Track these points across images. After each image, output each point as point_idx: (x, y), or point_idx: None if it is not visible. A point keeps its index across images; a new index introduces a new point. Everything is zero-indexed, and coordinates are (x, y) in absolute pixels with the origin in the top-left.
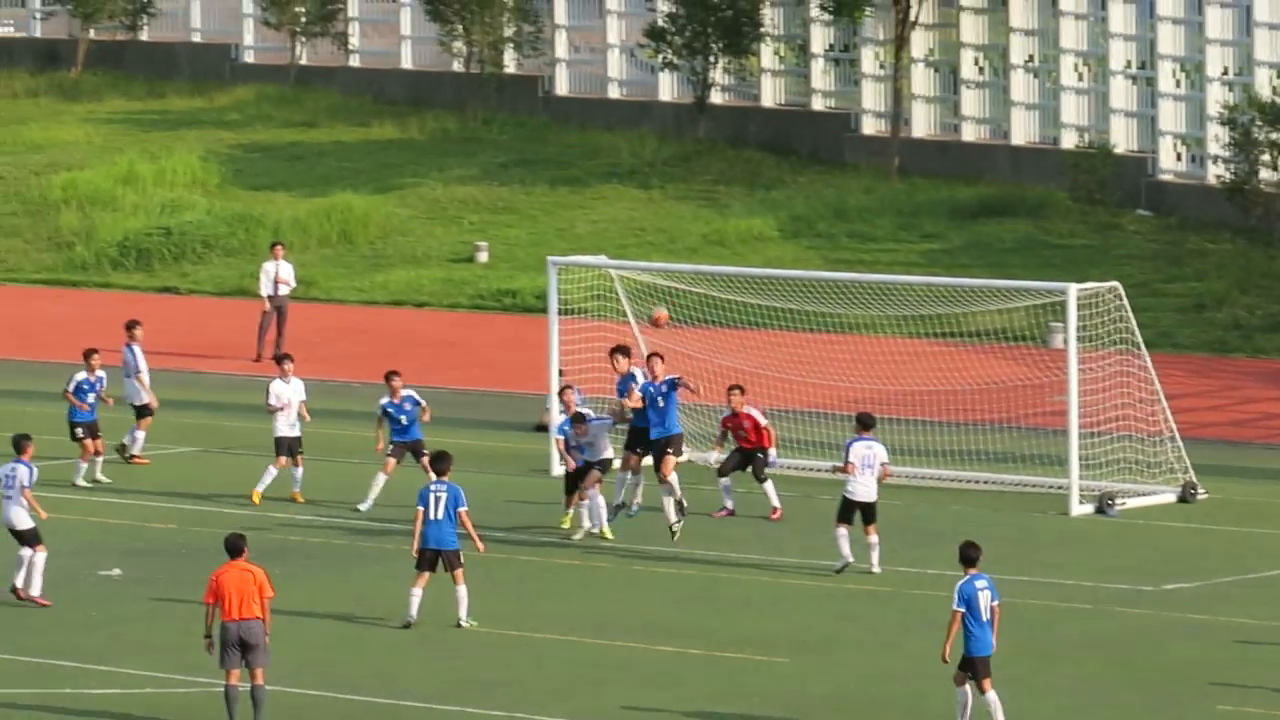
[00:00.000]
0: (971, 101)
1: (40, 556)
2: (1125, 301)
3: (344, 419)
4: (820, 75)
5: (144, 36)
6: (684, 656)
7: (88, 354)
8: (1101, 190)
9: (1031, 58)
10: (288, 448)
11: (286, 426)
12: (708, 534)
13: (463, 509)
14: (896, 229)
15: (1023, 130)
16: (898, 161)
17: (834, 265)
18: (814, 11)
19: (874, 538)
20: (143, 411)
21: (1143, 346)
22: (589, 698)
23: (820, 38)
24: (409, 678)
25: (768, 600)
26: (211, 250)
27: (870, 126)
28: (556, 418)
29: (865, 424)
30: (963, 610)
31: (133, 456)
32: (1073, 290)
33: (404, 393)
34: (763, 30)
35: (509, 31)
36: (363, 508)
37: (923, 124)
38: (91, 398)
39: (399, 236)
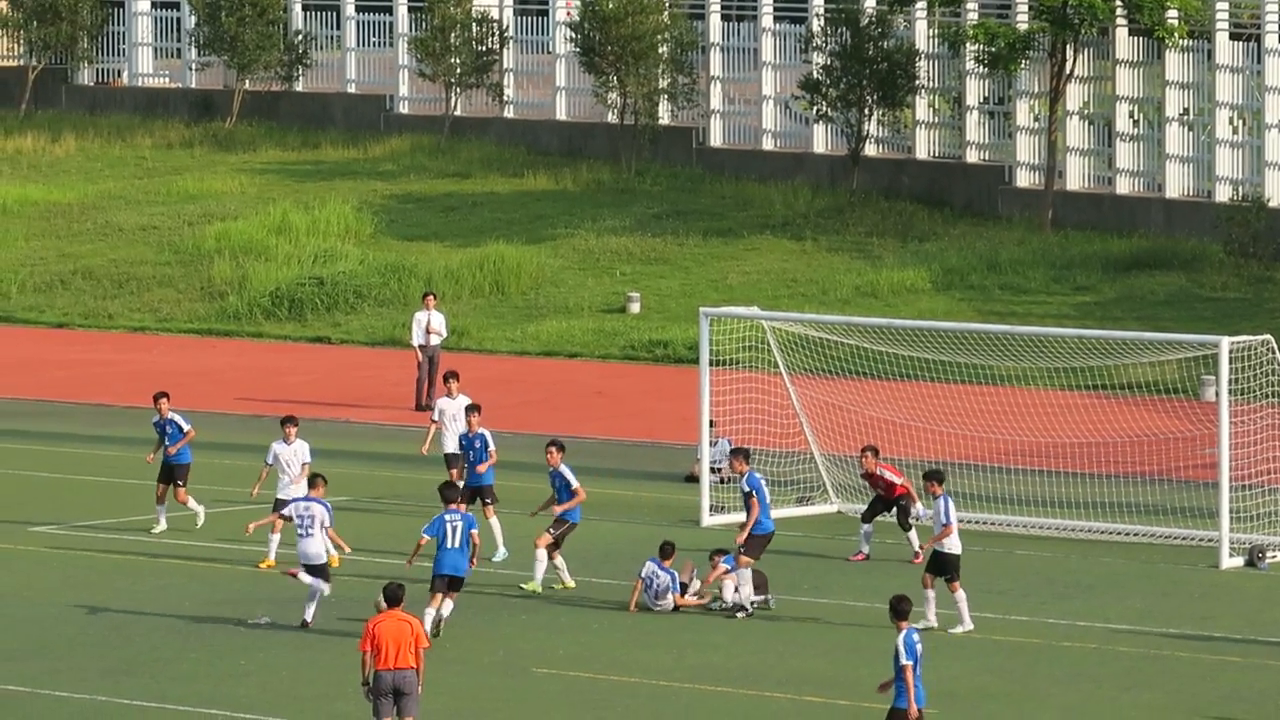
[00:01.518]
0: (1126, 154)
1: (325, 589)
2: (1278, 354)
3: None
4: (975, 127)
5: (299, 87)
6: (832, 708)
7: (157, 397)
8: (1255, 244)
9: (1186, 111)
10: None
11: (287, 488)
12: (856, 585)
13: (474, 530)
14: (1049, 281)
15: (1177, 183)
16: (1051, 214)
17: (986, 317)
18: (969, 64)
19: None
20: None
21: None
22: None
23: (975, 90)
24: None
25: None
26: (364, 300)
27: (1024, 179)
28: (707, 469)
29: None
30: (911, 663)
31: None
32: (1225, 343)
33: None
34: (917, 83)
35: (664, 83)
36: (496, 558)
37: (1077, 176)
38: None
39: (551, 287)
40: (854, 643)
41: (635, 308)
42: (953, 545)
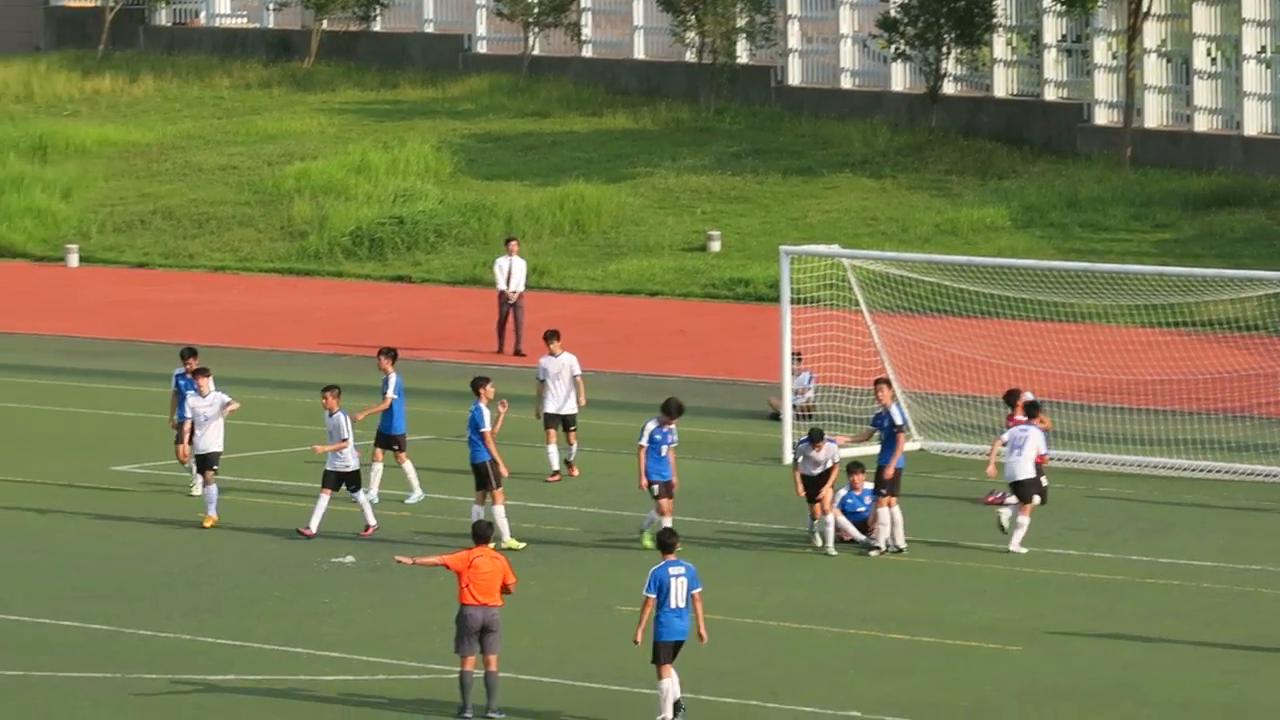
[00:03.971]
0: (1204, 92)
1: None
2: None
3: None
4: (1053, 66)
5: (377, 27)
6: (915, 645)
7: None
8: None
9: (1264, 49)
10: (200, 463)
11: (200, 440)
12: (940, 523)
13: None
14: (1128, 219)
15: (1255, 121)
16: (1130, 152)
17: (1066, 255)
18: (1046, 2)
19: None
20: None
21: None
22: (821, 686)
23: (1053, 28)
24: (640, 665)
25: (1001, 589)
26: (444, 239)
27: (1102, 117)
28: (788, 405)
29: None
30: (654, 596)
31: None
32: None
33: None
34: (995, 21)
35: (742, 22)
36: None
37: (1155, 114)
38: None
39: (631, 226)
40: (938, 580)
41: (716, 246)
42: (1025, 471)
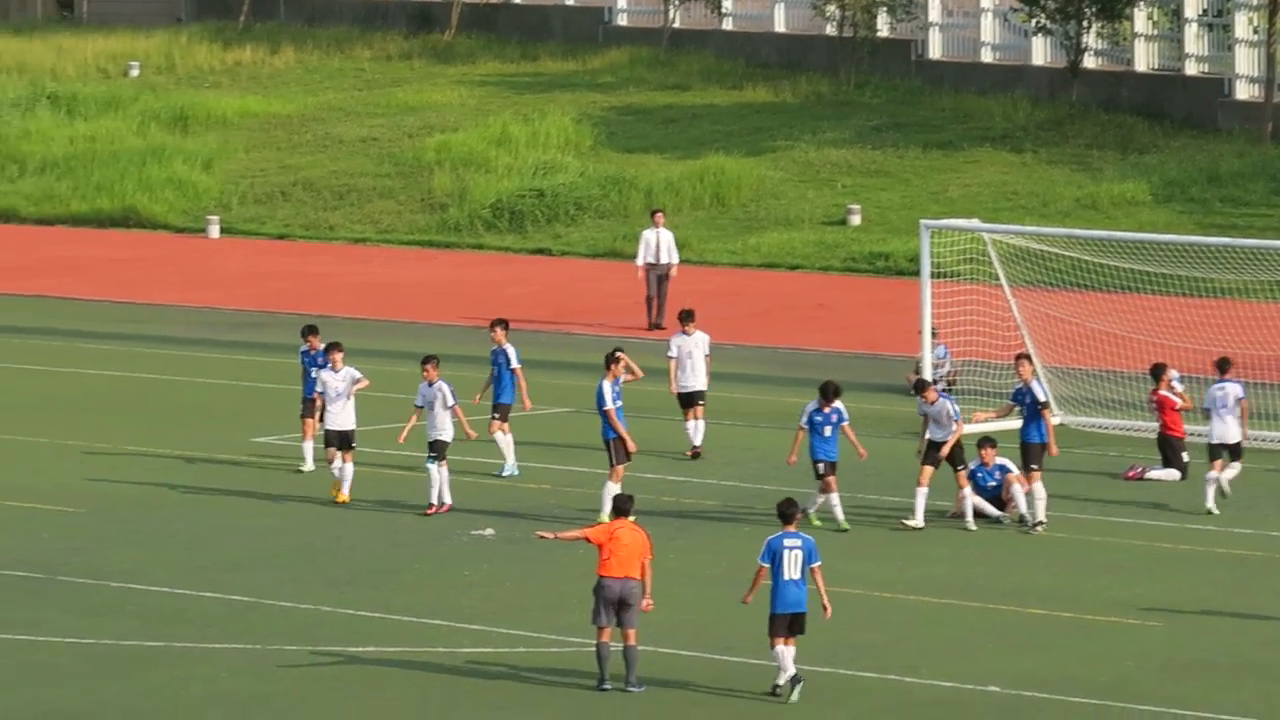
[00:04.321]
0: None
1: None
2: None
3: (729, 381)
4: (1193, 40)
5: (517, 0)
6: (1054, 620)
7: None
8: None
9: None
10: (337, 441)
11: (334, 418)
12: (1079, 499)
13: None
14: (1269, 194)
15: None
16: (1271, 127)
17: (1207, 230)
18: None
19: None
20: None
21: None
22: (961, 661)
23: (1194, 3)
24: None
25: (1140, 564)
26: (584, 212)
27: (1243, 91)
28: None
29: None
30: (766, 565)
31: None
32: None
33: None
34: None
35: None
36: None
37: None
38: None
39: (771, 199)
40: (1077, 555)
41: (856, 220)
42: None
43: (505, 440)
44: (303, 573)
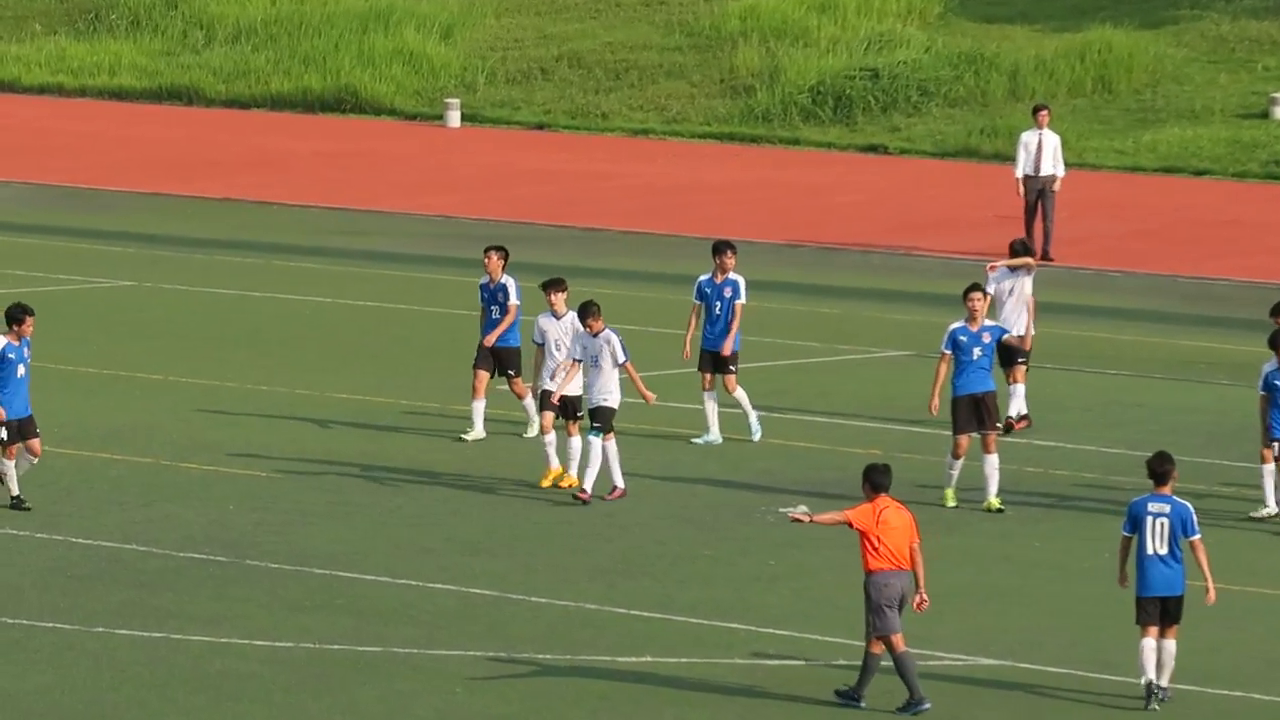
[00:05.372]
0: None
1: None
2: None
3: (1109, 319)
4: None
5: None
6: None
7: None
8: None
9: None
10: (563, 407)
11: (550, 377)
12: None
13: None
14: None
15: None
16: None
17: None
18: None
19: None
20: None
21: None
22: None
23: None
24: (1112, 646)
25: None
26: (930, 99)
27: None
28: None
29: None
30: (1129, 535)
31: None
32: None
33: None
34: None
35: None
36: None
37: None
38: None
39: (1171, 85)
40: None
41: None
42: None
43: (740, 396)
44: (560, 558)
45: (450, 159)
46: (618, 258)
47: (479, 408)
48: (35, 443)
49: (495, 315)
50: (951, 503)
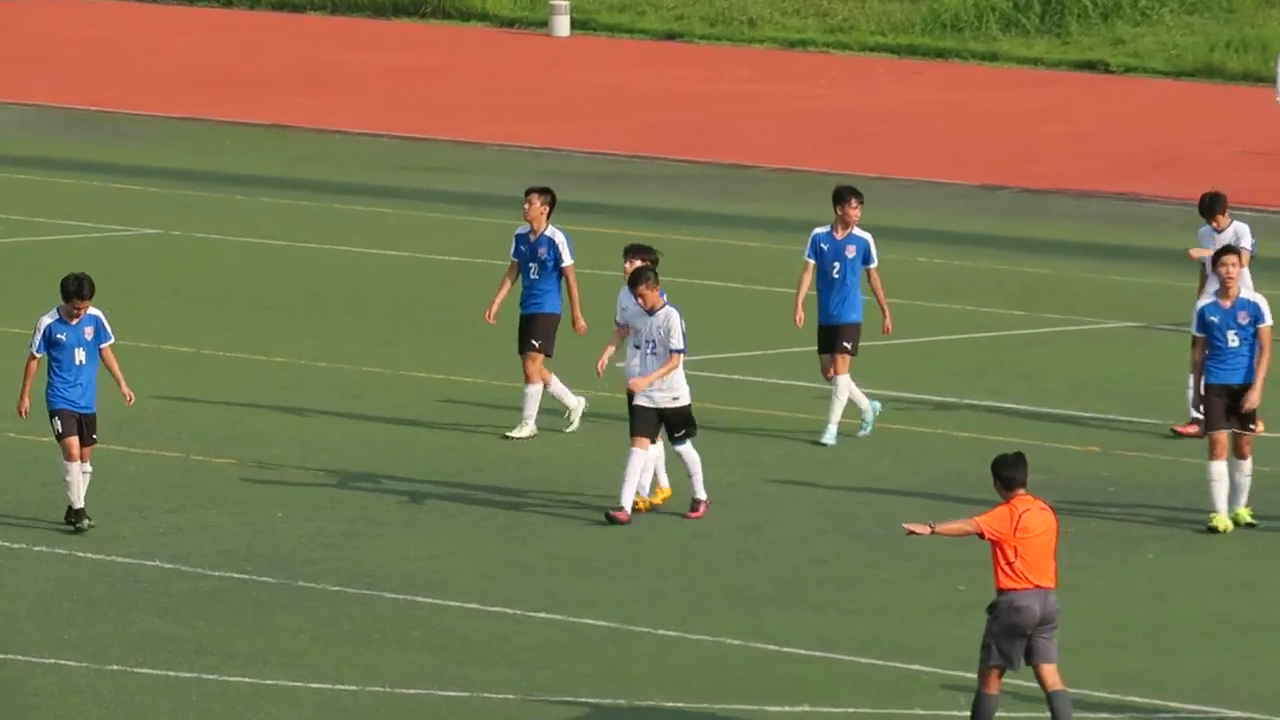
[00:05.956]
0: None
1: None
2: None
3: None
4: None
5: None
6: None
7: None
8: None
9: None
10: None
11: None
12: None
13: None
14: None
15: None
16: None
17: None
18: None
19: None
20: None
21: None
22: None
23: None
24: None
25: None
26: (1163, 4)
27: None
28: None
29: None
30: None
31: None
32: None
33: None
34: None
35: None
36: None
37: None
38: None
39: None
40: None
41: None
42: None
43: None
44: (694, 582)
45: (557, 76)
46: (766, 202)
47: (557, 391)
48: (86, 449)
49: (534, 275)
50: (1223, 526)
